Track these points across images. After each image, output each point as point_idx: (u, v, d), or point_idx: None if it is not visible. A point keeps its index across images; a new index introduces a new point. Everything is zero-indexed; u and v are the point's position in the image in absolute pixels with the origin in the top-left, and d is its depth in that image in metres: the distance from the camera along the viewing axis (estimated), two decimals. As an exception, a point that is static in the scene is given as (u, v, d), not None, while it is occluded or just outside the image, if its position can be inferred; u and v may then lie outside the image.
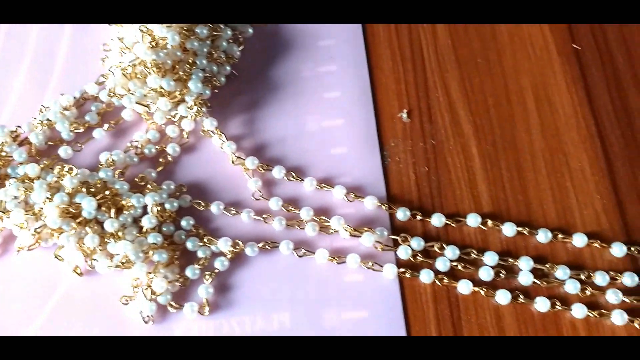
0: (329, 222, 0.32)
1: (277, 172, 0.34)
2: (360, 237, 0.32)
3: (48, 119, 0.35)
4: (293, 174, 0.34)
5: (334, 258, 0.32)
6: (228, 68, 0.36)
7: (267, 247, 0.32)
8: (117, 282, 0.32)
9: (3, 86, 0.37)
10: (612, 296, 0.31)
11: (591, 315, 0.30)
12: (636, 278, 0.31)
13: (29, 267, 0.32)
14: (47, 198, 0.31)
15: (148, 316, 0.31)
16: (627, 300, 0.31)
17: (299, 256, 0.32)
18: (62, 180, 0.32)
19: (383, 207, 0.33)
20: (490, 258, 0.32)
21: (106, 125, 0.35)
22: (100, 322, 0.31)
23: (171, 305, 0.31)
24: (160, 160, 0.35)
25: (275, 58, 0.38)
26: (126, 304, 0.31)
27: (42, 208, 0.31)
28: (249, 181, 0.34)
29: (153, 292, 0.31)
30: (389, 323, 0.30)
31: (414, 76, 0.37)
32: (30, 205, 0.32)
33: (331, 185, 0.33)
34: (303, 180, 0.34)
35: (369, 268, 0.31)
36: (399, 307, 0.31)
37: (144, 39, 0.34)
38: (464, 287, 0.31)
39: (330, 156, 0.35)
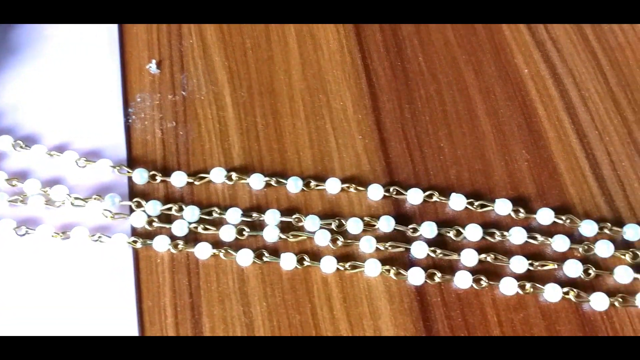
0: (54, 196, 0.26)
1: (4, 142, 0.28)
2: (85, 207, 0.26)
3: None
4: (21, 143, 0.28)
5: (59, 234, 0.26)
6: (-47, 32, 0.31)
7: (-19, 227, 0.27)
8: None
9: None
10: (366, 245, 0.26)
11: (342, 268, 0.25)
12: (393, 222, 0.26)
13: None
14: None
15: None
16: (381, 247, 0.26)
17: (20, 235, 0.26)
18: None
19: (116, 169, 0.27)
20: (233, 215, 0.26)
21: None
22: None
23: None
24: None
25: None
26: None
27: None
28: (-32, 156, 0.29)
29: None
30: (119, 300, 0.25)
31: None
32: None
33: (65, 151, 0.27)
34: (30, 148, 0.28)
35: (95, 241, 0.26)
36: (130, 281, 0.25)
37: None
38: (201, 251, 0.25)
39: (68, 120, 0.28)
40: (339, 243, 0.26)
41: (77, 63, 0.30)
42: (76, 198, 0.26)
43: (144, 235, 0.26)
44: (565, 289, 0.25)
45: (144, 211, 0.26)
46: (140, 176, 0.27)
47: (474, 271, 0.25)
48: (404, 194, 0.26)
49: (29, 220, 0.26)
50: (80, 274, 0.26)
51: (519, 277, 0.25)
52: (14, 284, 0.25)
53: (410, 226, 0.26)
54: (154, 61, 0.30)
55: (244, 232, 0.26)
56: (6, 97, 0.29)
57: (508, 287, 0.25)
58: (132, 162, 0.28)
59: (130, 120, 0.29)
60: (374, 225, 0.26)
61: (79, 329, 0.24)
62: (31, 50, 0.30)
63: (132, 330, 0.24)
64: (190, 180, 0.27)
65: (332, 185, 0.27)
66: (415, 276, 0.25)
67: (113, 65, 0.30)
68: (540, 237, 0.26)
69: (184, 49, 0.30)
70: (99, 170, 0.27)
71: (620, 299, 0.25)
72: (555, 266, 0.25)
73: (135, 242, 0.26)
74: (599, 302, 0.25)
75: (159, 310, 0.25)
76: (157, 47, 0.30)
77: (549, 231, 0.26)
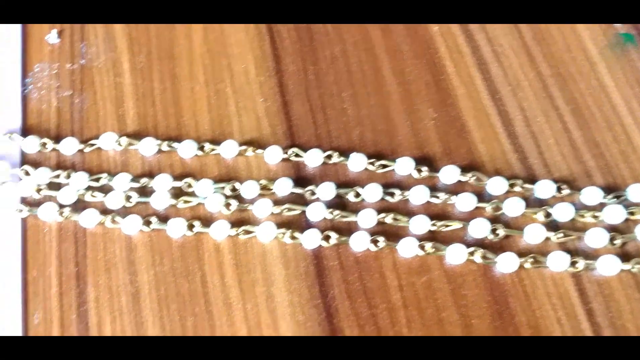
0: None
1: None
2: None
3: None
4: None
5: (-56, 204, 0.25)
6: None
7: None
8: None
9: None
10: (261, 208, 0.24)
11: (235, 233, 0.23)
12: (290, 184, 0.24)
13: None
14: None
15: None
16: (277, 211, 0.24)
17: None
18: None
19: (7, 137, 0.25)
20: (121, 181, 0.24)
21: None
22: None
23: None
24: None
25: None
26: None
27: None
28: None
29: None
30: (2, 270, 0.23)
31: (70, -8, 0.30)
32: None
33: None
34: None
35: (-18, 209, 0.25)
36: (17, 250, 0.24)
37: None
38: (87, 219, 0.24)
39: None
40: (233, 208, 0.24)
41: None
42: (-40, 166, 0.25)
43: (32, 203, 0.25)
44: (471, 249, 0.23)
45: (32, 179, 0.25)
46: (31, 144, 0.25)
47: (373, 233, 0.23)
48: (301, 156, 0.25)
49: None
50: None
51: (420, 239, 0.23)
52: None
53: (308, 188, 0.24)
54: (54, 31, 0.28)
55: (132, 200, 0.24)
56: None
57: (407, 248, 0.23)
58: (26, 131, 0.26)
59: (27, 90, 0.27)
60: (271, 189, 0.25)
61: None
62: None
63: (15, 302, 0.23)
64: (81, 147, 0.26)
65: (229, 149, 0.25)
66: (310, 239, 0.23)
67: (14, 35, 0.29)
68: (443, 196, 0.24)
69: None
70: (-10, 141, 0.26)
71: (531, 259, 0.23)
72: (460, 225, 0.24)
73: (21, 210, 0.24)
74: (507, 263, 0.23)
75: (43, 280, 0.23)
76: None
77: (456, 191, 0.24)
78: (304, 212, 0.24)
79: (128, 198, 0.24)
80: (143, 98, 0.26)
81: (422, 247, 0.23)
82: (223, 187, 0.24)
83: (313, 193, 0.24)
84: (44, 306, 0.23)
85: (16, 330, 0.23)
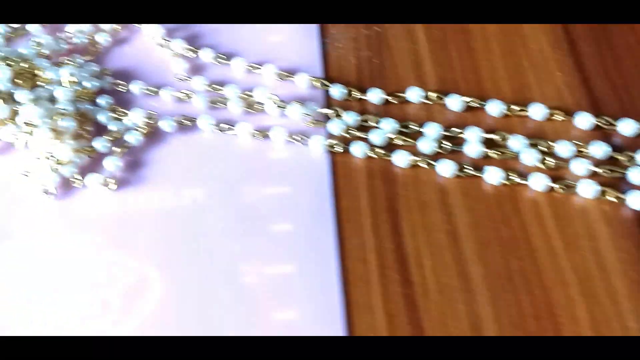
0: (255, 98, 0.26)
1: (206, 55, 0.29)
2: (286, 109, 0.26)
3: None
4: (223, 56, 0.28)
5: (259, 132, 0.26)
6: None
7: (184, 122, 0.26)
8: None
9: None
10: (580, 166, 0.23)
11: (555, 187, 0.23)
12: (607, 147, 0.24)
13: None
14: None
15: (49, 191, 0.25)
16: (597, 170, 0.23)
17: (221, 131, 0.26)
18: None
19: (315, 83, 0.27)
20: (433, 129, 0.25)
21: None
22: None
23: (75, 179, 0.25)
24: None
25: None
26: (26, 176, 0.26)
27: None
28: (173, 62, 0.28)
29: (58, 162, 0.25)
30: (314, 196, 0.24)
31: (361, -25, 0.33)
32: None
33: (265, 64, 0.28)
34: (230, 60, 0.28)
35: (296, 141, 0.25)
36: (326, 181, 0.24)
37: None
38: (401, 158, 0.24)
39: (265, 42, 0.29)
40: (550, 164, 0.24)
41: None
42: (281, 100, 0.26)
43: (341, 141, 0.25)
44: None
45: (342, 121, 0.26)
46: (339, 91, 0.27)
47: (702, 203, 0.23)
48: (614, 125, 0.25)
49: (228, 121, 0.26)
50: (276, 172, 0.25)
51: None
52: (212, 171, 0.25)
53: (627, 153, 0.24)
54: None
55: (444, 145, 0.24)
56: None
57: None
58: (328, 80, 0.28)
59: (326, 48, 0.29)
60: (585, 151, 0.24)
61: (276, 219, 0.23)
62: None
63: (329, 225, 0.23)
64: (387, 98, 0.27)
65: (537, 111, 0.25)
66: (637, 199, 0.23)
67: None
68: None
69: (378, -5, 0.31)
70: (295, 85, 0.27)
71: None
72: None
73: (333, 146, 0.25)
74: None
75: (355, 211, 0.23)
76: (352, -7, 0.32)
77: None
78: (623, 175, 0.24)
79: (440, 145, 0.25)
80: (441, 64, 0.28)
81: None
82: (536, 144, 0.25)
83: (631, 158, 0.24)
84: (358, 233, 0.23)
85: (330, 249, 0.22)
